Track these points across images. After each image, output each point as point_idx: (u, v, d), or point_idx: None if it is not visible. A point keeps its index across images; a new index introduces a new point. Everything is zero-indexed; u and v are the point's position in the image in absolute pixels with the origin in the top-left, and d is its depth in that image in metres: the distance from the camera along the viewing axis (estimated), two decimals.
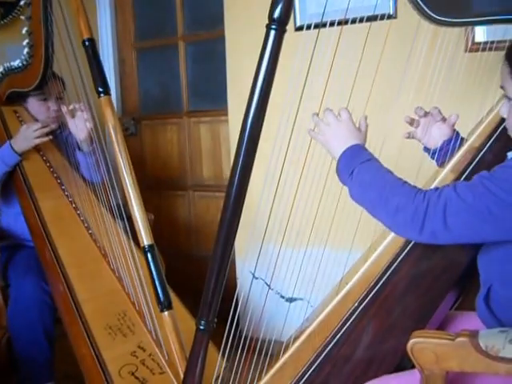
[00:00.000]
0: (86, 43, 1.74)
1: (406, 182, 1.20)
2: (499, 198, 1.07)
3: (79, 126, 2.08)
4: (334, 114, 1.32)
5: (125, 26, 3.27)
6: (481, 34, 2.05)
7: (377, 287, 1.33)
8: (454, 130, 1.51)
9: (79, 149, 2.16)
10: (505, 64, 1.17)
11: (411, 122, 1.54)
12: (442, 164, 1.49)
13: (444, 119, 1.51)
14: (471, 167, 1.38)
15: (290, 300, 2.46)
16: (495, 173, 1.12)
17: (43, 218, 2.04)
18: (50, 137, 2.16)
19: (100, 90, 1.73)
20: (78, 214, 2.11)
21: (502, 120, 1.30)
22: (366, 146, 1.33)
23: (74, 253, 1.96)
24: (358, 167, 1.23)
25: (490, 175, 1.12)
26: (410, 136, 1.57)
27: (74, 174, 2.20)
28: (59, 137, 2.31)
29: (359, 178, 1.23)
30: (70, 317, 1.78)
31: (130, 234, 1.86)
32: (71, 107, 2.07)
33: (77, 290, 1.82)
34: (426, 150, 1.57)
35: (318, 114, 1.36)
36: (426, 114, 1.52)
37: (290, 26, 1.16)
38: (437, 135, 1.52)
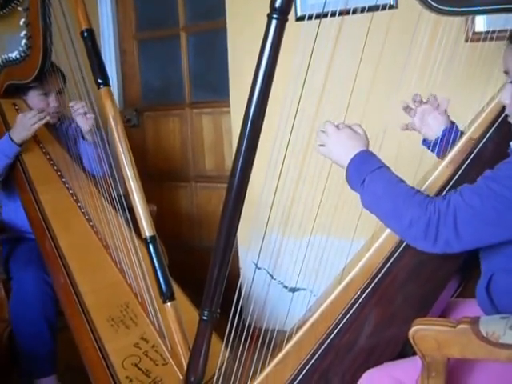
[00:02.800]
0: (85, 34, 1.73)
1: (417, 192, 1.20)
2: (505, 197, 1.08)
3: (81, 119, 2.11)
4: (333, 124, 1.32)
5: (126, 17, 3.26)
6: (481, 23, 2.05)
7: (379, 276, 1.33)
8: (449, 120, 1.51)
9: (83, 138, 2.17)
10: (509, 46, 1.16)
11: (406, 109, 1.54)
12: (442, 155, 1.49)
13: (439, 106, 1.52)
14: (471, 157, 1.37)
15: (293, 290, 2.47)
16: (499, 171, 1.12)
17: (44, 210, 2.03)
18: (48, 118, 2.13)
19: (99, 81, 1.73)
20: (79, 206, 2.10)
21: (503, 109, 1.30)
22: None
23: (75, 245, 1.95)
24: (369, 175, 1.23)
25: (493, 175, 1.12)
26: (407, 127, 1.57)
27: (75, 166, 2.20)
28: (59, 129, 2.31)
29: (371, 188, 1.23)
30: (71, 309, 1.78)
31: (131, 225, 1.86)
32: (71, 104, 2.08)
33: (78, 282, 1.83)
34: (425, 143, 1.57)
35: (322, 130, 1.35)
36: (423, 102, 1.52)
37: (290, 17, 1.16)
38: (433, 124, 1.53)
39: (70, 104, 2.10)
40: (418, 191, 1.21)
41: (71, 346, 1.76)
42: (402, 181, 1.24)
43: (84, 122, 2.11)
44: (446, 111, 1.52)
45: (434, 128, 1.53)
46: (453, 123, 1.52)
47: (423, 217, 1.14)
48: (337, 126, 1.31)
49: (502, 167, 1.12)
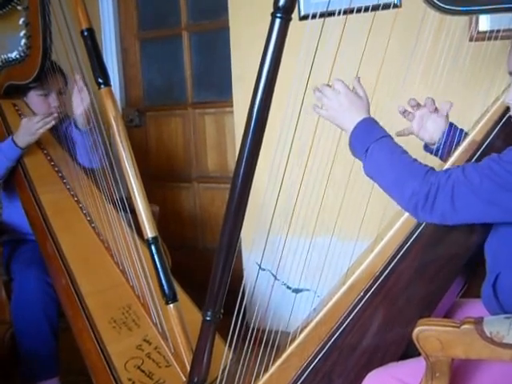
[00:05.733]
0: (85, 33, 1.73)
1: (420, 163, 1.22)
2: (505, 180, 1.08)
3: (76, 101, 2.07)
4: (331, 87, 1.31)
5: (127, 16, 3.26)
6: (485, 23, 2.04)
7: (382, 276, 1.33)
8: (448, 122, 1.50)
9: (76, 126, 2.14)
10: None
11: (404, 113, 1.53)
12: (445, 158, 1.47)
13: (437, 110, 1.50)
14: (475, 159, 1.37)
15: (297, 291, 2.46)
16: (504, 156, 1.13)
17: (44, 211, 2.02)
18: (53, 122, 2.10)
19: (100, 81, 1.73)
20: (81, 208, 2.09)
21: (507, 110, 1.29)
22: None
23: (77, 246, 1.95)
24: (373, 144, 1.23)
25: (498, 158, 1.13)
26: (403, 133, 1.54)
27: (76, 167, 2.18)
28: (59, 129, 2.29)
29: (375, 157, 1.23)
30: (73, 311, 1.78)
31: (133, 226, 1.85)
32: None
33: (80, 284, 1.82)
34: (427, 149, 1.55)
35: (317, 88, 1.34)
36: (419, 105, 1.51)
37: (294, 16, 1.16)
38: (431, 128, 1.50)
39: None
40: (421, 163, 1.22)
41: (73, 347, 1.76)
42: (405, 152, 1.25)
43: (79, 102, 2.06)
44: (447, 114, 1.51)
45: (433, 131, 1.51)
46: (451, 125, 1.50)
47: (424, 187, 1.15)
48: (338, 87, 1.30)
49: (507, 153, 1.13)
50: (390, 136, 1.27)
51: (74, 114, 2.12)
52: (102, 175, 2.00)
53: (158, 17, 3.20)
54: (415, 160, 1.23)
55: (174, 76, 3.20)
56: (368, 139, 1.25)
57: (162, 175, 3.25)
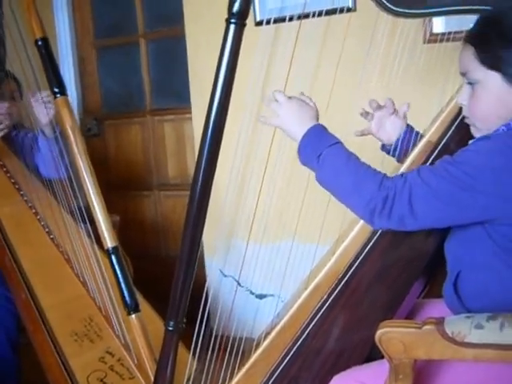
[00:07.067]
0: (39, 43, 1.70)
1: (375, 170, 1.20)
2: (461, 181, 1.09)
3: (41, 111, 2.04)
4: (284, 94, 1.29)
5: (83, 24, 3.21)
6: (439, 25, 2.08)
7: (345, 279, 1.33)
8: (406, 123, 1.52)
9: (43, 133, 2.10)
10: (466, 47, 1.18)
11: (365, 115, 1.54)
12: (402, 159, 1.49)
13: (396, 111, 1.52)
14: (431, 159, 1.38)
15: (261, 296, 2.46)
16: (457, 157, 1.13)
17: (1, 225, 1.98)
18: (6, 131, 2.06)
19: (56, 90, 1.70)
20: (39, 219, 2.06)
21: (461, 110, 1.31)
22: None
23: (36, 259, 1.91)
24: (326, 150, 1.21)
25: (452, 159, 1.13)
26: (362, 133, 1.56)
27: (33, 178, 2.15)
28: (15, 139, 2.25)
29: (329, 162, 1.21)
30: (34, 325, 1.74)
31: (93, 237, 1.82)
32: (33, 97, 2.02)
33: (40, 297, 1.78)
34: (384, 148, 1.57)
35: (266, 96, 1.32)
36: (380, 106, 1.53)
37: (250, 21, 1.16)
38: (390, 129, 1.52)
39: (32, 99, 2.03)
40: (375, 168, 1.21)
41: (35, 362, 1.73)
42: (358, 157, 1.23)
43: (44, 113, 2.03)
44: (405, 115, 1.53)
45: (391, 132, 1.53)
46: (410, 126, 1.53)
47: (382, 192, 1.14)
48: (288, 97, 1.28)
49: (461, 154, 1.14)
50: (341, 142, 1.25)
51: (41, 123, 2.08)
52: (61, 186, 1.97)
53: (115, 25, 3.17)
54: (370, 166, 1.21)
55: (132, 84, 3.17)
56: (320, 145, 1.22)
57: (123, 184, 3.21)
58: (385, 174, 1.19)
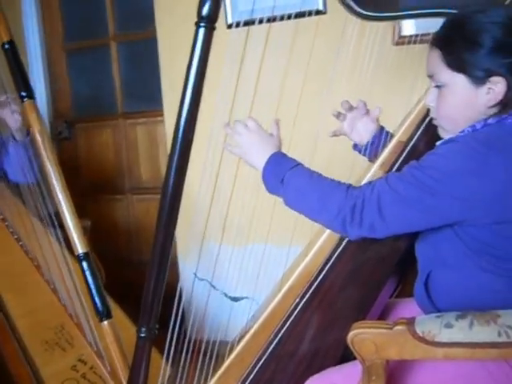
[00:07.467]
0: (6, 46, 1.67)
1: (339, 182, 1.21)
2: (428, 186, 1.09)
3: (11, 116, 2.01)
4: (243, 123, 1.30)
5: (52, 27, 3.17)
6: (408, 27, 2.11)
7: (317, 281, 1.33)
8: (379, 125, 1.54)
9: (14, 138, 2.07)
10: (433, 50, 1.19)
11: (338, 116, 1.55)
12: (373, 159, 1.50)
13: (369, 112, 1.54)
14: (401, 159, 1.40)
15: (235, 299, 2.45)
16: (424, 161, 1.14)
17: None
18: None
19: (23, 94, 1.67)
20: (7, 226, 2.02)
21: (429, 111, 1.33)
22: (295, 143, 1.32)
23: (4, 266, 1.88)
24: (287, 173, 1.22)
25: (418, 165, 1.14)
26: (335, 133, 1.57)
27: (1, 184, 2.11)
28: None
29: (292, 184, 1.22)
30: (3, 335, 1.71)
31: (63, 242, 1.80)
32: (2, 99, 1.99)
33: (9, 306, 1.75)
34: (356, 148, 1.59)
35: (228, 124, 1.33)
36: (352, 108, 1.54)
37: (221, 24, 1.15)
38: (362, 130, 1.54)
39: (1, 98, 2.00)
40: (339, 181, 1.21)
41: (5, 373, 1.69)
42: (320, 174, 1.24)
43: (14, 119, 2.01)
44: (377, 118, 1.54)
45: (363, 134, 1.54)
46: (382, 128, 1.54)
47: (349, 201, 1.14)
48: (250, 125, 1.29)
49: (427, 158, 1.15)
50: (302, 164, 1.26)
51: (12, 128, 2.05)
52: (30, 191, 1.94)
53: (85, 27, 3.13)
54: (333, 179, 1.22)
55: (103, 87, 3.13)
56: (281, 170, 1.23)
57: (95, 188, 3.17)
58: (350, 184, 1.20)
